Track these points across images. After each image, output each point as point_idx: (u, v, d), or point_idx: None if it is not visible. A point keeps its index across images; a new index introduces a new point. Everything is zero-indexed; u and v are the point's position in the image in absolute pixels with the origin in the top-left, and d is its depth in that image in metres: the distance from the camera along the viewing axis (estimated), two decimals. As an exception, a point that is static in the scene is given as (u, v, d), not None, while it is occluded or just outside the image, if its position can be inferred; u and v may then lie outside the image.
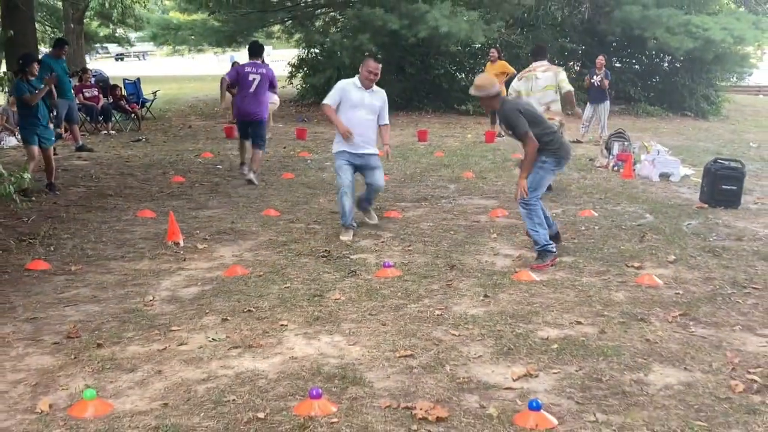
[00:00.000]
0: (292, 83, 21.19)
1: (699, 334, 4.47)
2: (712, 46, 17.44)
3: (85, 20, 27.62)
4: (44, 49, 22.11)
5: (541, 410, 3.37)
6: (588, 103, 13.53)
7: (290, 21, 21.31)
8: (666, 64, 20.78)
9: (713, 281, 5.50)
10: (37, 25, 18.12)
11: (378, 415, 3.44)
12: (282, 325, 4.57)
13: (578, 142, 13.24)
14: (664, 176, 9.73)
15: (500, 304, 4.96)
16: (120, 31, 33.22)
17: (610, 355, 4.11)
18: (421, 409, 3.44)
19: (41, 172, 8.62)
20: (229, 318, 4.69)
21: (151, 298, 5.09)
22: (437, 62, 19.07)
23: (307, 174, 9.99)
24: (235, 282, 5.41)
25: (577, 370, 3.92)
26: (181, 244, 6.41)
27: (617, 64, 20.41)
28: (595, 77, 13.27)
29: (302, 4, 21.09)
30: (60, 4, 25.82)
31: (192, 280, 5.51)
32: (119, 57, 57.18)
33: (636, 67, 20.91)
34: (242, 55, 26.06)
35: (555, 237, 6.21)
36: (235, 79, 9.07)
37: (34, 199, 7.90)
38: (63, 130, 12.06)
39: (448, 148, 12.43)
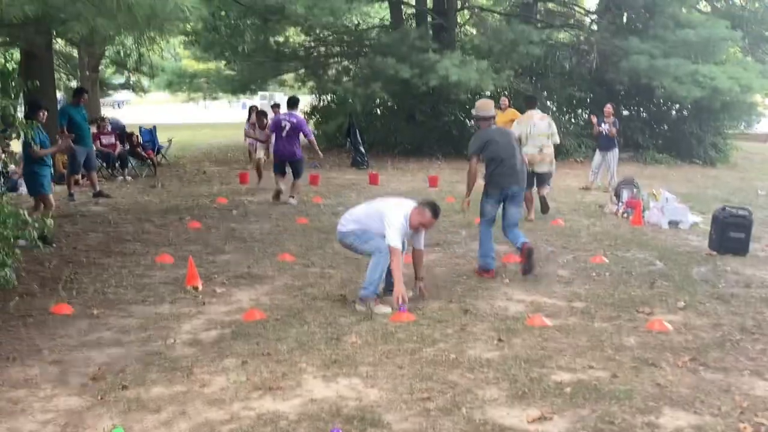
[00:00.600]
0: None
1: (708, 379, 4.56)
2: (719, 94, 17.56)
3: (100, 68, 28.19)
4: (59, 96, 22.52)
5: (556, 452, 3.46)
6: (597, 151, 13.67)
7: (303, 70, 21.75)
8: (674, 112, 20.93)
9: (722, 327, 5.59)
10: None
11: (397, 455, 3.53)
12: (300, 367, 4.69)
13: (587, 189, 13.42)
14: (673, 224, 9.83)
15: (514, 349, 5.06)
16: (133, 78, 33.75)
17: (622, 399, 4.20)
18: (438, 450, 3.54)
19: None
20: (248, 360, 4.81)
21: (173, 341, 5.22)
22: (447, 110, 19.44)
23: (321, 219, 10.15)
24: (253, 325, 5.53)
25: (590, 413, 4.01)
26: (200, 288, 6.55)
27: (625, 112, 20.54)
28: (603, 125, 13.41)
29: (315, 54, 21.55)
30: (75, 52, 26.38)
31: (212, 323, 5.64)
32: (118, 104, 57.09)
33: (644, 115, 21.05)
34: (254, 101, 26.64)
35: (526, 255, 6.86)
36: (273, 128, 11.58)
37: (54, 245, 8.07)
38: (81, 176, 12.30)
39: (459, 194, 12.52)
